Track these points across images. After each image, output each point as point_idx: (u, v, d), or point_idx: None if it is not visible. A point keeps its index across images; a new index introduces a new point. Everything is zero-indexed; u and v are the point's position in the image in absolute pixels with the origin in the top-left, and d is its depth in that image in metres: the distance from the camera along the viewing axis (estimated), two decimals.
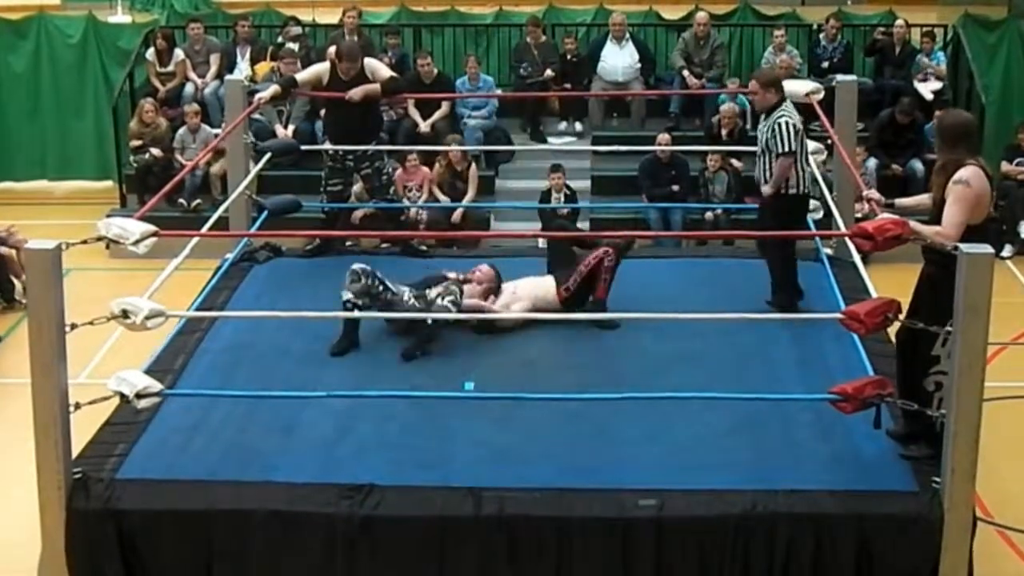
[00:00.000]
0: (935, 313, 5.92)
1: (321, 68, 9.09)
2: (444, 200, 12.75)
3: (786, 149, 7.67)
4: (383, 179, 9.20)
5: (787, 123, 7.70)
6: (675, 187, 12.72)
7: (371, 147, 9.10)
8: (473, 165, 12.98)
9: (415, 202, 12.55)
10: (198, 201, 13.09)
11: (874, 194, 6.89)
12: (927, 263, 6.15)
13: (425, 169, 12.83)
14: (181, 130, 13.40)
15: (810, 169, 8.01)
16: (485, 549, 5.88)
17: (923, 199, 6.50)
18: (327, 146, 9.25)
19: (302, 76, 9.17)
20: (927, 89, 13.75)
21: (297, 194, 9.75)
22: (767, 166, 7.81)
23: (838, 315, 6.14)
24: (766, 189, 7.86)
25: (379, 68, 9.08)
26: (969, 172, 6.01)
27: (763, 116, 7.94)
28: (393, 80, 9.13)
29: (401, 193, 12.30)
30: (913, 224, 5.96)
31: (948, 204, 5.98)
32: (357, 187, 9.91)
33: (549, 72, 13.82)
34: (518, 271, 8.61)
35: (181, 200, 13.04)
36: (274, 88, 8.97)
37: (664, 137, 12.80)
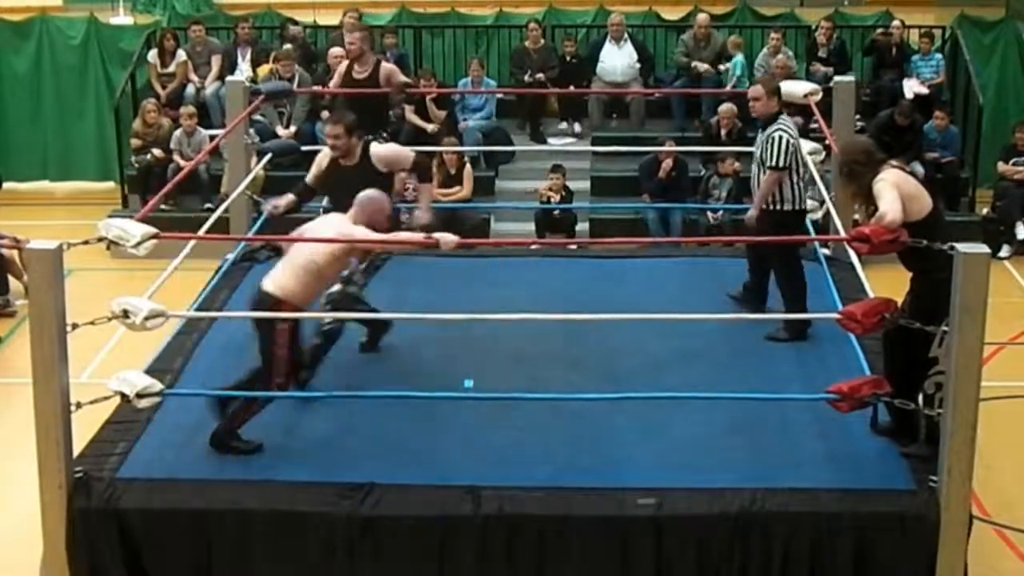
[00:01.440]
0: (920, 316, 5.97)
1: (340, 69, 9.31)
2: (444, 201, 12.75)
3: (775, 164, 7.57)
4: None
5: (781, 137, 7.59)
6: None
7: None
8: (468, 165, 12.99)
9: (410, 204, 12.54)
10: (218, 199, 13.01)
11: None
12: (913, 273, 6.18)
13: None
14: (177, 132, 13.41)
15: (809, 173, 7.97)
16: (484, 548, 5.89)
17: None
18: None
19: (333, 83, 9.43)
20: (908, 88, 13.76)
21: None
22: (760, 179, 7.77)
23: (835, 315, 6.17)
24: (751, 212, 7.80)
25: (394, 71, 9.34)
26: (882, 174, 6.04)
27: (760, 128, 7.86)
28: (407, 84, 9.70)
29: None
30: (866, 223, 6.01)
31: (877, 200, 5.99)
32: None
33: (540, 76, 13.84)
34: (517, 272, 8.65)
35: (209, 204, 12.65)
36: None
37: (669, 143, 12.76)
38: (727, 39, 14.24)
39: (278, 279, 6.40)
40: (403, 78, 9.55)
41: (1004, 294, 11.03)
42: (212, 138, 12.49)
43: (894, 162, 6.24)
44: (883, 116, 13.27)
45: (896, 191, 5.91)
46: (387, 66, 9.43)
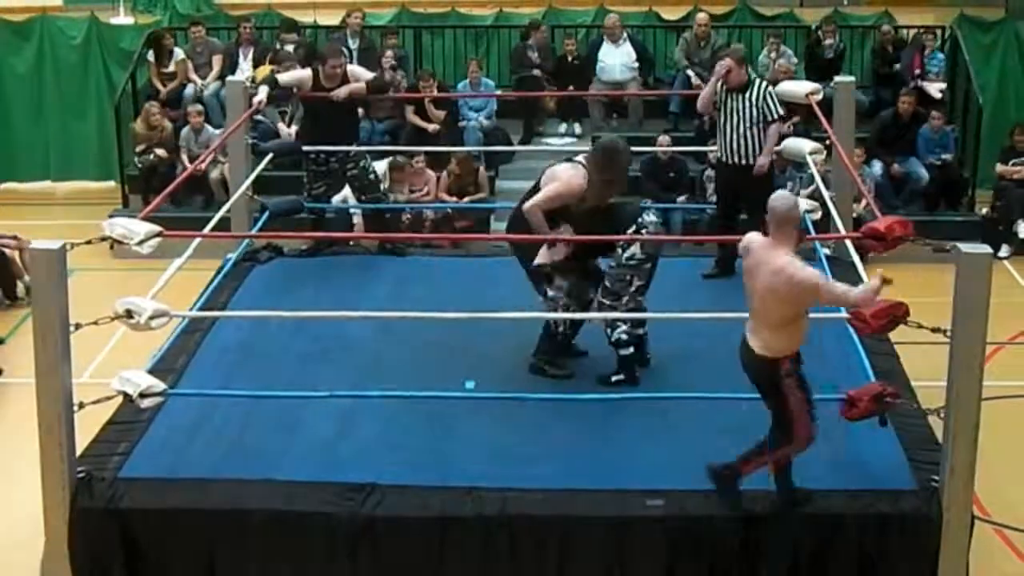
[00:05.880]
0: None
1: (303, 73, 9.18)
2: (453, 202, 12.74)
3: (780, 114, 8.58)
4: (370, 178, 9.28)
5: (772, 92, 8.48)
6: (680, 197, 12.72)
7: (356, 148, 9.20)
8: (482, 169, 12.99)
9: (419, 204, 12.53)
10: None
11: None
12: None
13: (430, 172, 12.80)
14: (185, 130, 13.39)
15: (809, 172, 8.06)
16: (486, 549, 5.91)
17: None
18: (323, 147, 9.27)
19: (283, 78, 9.22)
20: (935, 88, 13.74)
21: (299, 195, 9.78)
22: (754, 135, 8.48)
23: (844, 315, 6.17)
24: (763, 160, 8.45)
25: (362, 73, 9.23)
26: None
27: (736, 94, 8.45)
28: (377, 78, 9.44)
29: (404, 195, 12.32)
30: None
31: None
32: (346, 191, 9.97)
33: (537, 72, 13.84)
34: (516, 272, 8.63)
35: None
36: (265, 89, 8.90)
37: (664, 139, 12.85)
38: (723, 42, 14.16)
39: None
40: (369, 75, 9.43)
41: (1004, 294, 10.98)
42: None
43: None
44: (886, 114, 13.30)
45: None
46: (352, 68, 9.34)
